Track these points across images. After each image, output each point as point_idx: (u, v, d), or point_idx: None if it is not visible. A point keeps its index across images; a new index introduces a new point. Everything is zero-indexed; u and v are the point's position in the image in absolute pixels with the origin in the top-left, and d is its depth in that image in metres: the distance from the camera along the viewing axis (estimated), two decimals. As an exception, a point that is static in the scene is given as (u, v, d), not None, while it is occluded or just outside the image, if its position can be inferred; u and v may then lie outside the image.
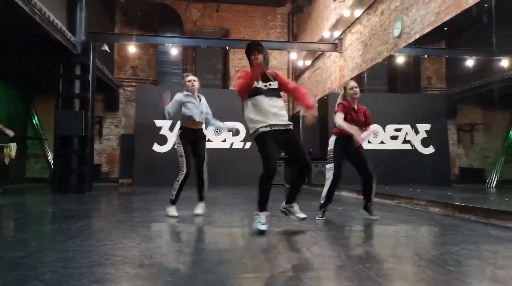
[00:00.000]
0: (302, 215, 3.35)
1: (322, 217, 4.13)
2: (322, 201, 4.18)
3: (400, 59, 8.39)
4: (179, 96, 4.35)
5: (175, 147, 4.34)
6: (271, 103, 3.25)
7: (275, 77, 3.41)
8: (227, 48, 10.91)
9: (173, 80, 11.78)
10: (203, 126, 4.50)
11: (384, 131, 10.90)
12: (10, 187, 10.19)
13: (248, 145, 10.97)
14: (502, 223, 3.76)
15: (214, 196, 6.85)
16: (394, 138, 10.96)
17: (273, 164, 3.19)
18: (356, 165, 4.15)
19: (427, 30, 5.56)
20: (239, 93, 3.32)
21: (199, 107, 4.35)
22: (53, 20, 7.07)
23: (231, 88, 13.03)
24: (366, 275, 2.02)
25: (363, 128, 4.18)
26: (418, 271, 2.20)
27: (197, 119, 4.31)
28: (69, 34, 7.94)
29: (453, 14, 4.93)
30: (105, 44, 8.59)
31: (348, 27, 8.57)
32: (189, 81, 4.41)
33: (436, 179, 9.98)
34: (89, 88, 8.31)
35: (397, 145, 10.92)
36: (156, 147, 10.59)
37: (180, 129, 4.34)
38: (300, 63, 12.39)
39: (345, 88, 4.19)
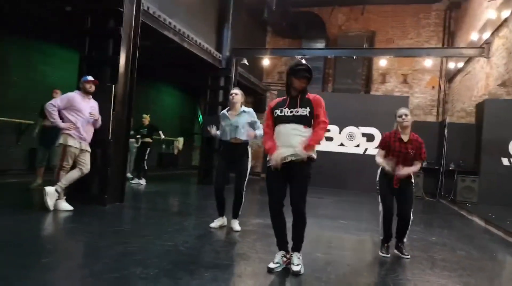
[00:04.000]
0: (297, 268, 2.99)
1: (387, 254, 3.86)
2: (381, 238, 3.97)
3: None
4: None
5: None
6: (292, 132, 3.02)
7: (311, 103, 3.11)
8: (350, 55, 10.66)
9: (310, 84, 12.28)
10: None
11: None
12: (178, 172, 12.74)
13: (382, 152, 10.65)
14: None
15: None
16: None
17: (271, 203, 3.14)
18: (397, 201, 3.87)
19: None
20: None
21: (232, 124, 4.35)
22: (200, 43, 8.60)
23: (372, 92, 12.74)
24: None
25: (413, 162, 3.79)
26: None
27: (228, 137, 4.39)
28: (215, 52, 9.43)
29: None
30: (244, 58, 9.80)
31: (496, 29, 7.40)
32: (230, 94, 4.47)
33: None
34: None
35: None
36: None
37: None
38: (452, 65, 11.13)
39: (395, 115, 3.87)
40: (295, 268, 3.01)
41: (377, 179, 3.98)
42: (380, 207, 3.91)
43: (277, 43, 13.64)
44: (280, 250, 3.19)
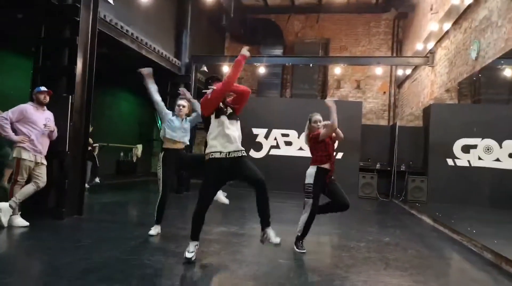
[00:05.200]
0: (277, 240, 3.26)
1: (303, 249, 4.15)
2: (299, 234, 4.20)
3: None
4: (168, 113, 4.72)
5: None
6: (233, 127, 3.44)
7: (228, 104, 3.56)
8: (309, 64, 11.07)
9: (269, 90, 12.58)
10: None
11: (501, 147, 9.72)
12: (137, 180, 12.49)
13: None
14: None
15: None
16: (512, 156, 9.68)
17: (204, 207, 3.46)
18: (333, 196, 4.16)
19: (498, 55, 5.02)
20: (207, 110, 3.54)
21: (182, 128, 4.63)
22: (158, 50, 8.55)
23: (328, 97, 13.20)
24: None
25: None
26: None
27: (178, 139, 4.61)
28: (174, 59, 9.40)
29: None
30: (204, 65, 9.86)
31: (439, 40, 7.99)
32: (178, 105, 4.74)
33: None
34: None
35: (517, 165, 9.60)
36: (253, 153, 11.53)
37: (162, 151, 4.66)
38: (400, 72, 11.81)
39: (309, 120, 4.24)
40: (275, 240, 3.25)
41: (311, 181, 4.12)
42: (310, 208, 4.10)
43: (235, 49, 13.76)
44: (193, 240, 3.54)
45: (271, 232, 3.29)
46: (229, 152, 3.37)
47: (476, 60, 5.82)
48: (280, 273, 3.42)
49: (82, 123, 5.69)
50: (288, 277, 3.39)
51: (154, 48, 8.38)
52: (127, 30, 7.25)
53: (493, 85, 10.44)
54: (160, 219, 4.67)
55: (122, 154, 12.34)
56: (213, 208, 4.73)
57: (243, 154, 3.43)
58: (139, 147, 12.14)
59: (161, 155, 4.65)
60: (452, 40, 7.17)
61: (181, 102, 4.76)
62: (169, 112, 4.80)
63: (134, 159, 12.33)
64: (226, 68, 9.97)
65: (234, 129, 3.44)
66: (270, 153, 11.46)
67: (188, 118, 4.84)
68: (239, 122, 3.57)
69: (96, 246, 4.09)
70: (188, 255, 3.46)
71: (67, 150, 5.38)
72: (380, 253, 4.46)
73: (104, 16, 6.49)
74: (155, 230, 4.62)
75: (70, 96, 5.40)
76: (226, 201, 4.65)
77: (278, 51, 12.99)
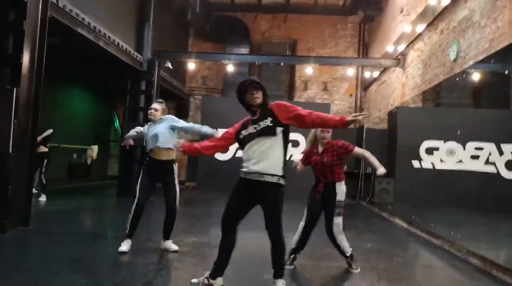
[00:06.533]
0: None
1: (291, 265, 3.74)
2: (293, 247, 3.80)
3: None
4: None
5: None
6: (257, 145, 2.82)
7: (273, 112, 2.87)
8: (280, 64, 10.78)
9: (235, 90, 12.10)
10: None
11: (464, 149, 9.86)
12: (92, 184, 11.55)
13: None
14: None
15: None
16: (475, 157, 9.85)
17: (223, 217, 2.93)
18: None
19: (481, 57, 4.91)
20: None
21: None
22: (118, 43, 7.82)
23: (295, 99, 12.98)
24: None
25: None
26: None
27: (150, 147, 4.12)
28: (136, 54, 8.70)
29: (505, 43, 4.29)
30: (168, 61, 9.22)
31: (411, 42, 7.95)
32: (149, 109, 4.27)
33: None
34: (152, 102, 8.98)
35: (479, 166, 9.77)
36: (218, 155, 10.97)
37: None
38: (367, 74, 11.79)
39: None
40: None
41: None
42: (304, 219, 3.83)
43: (200, 47, 13.19)
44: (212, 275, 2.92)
45: (279, 285, 2.84)
46: (247, 172, 2.85)
47: (455, 62, 5.71)
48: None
49: (29, 121, 4.94)
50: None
51: (114, 40, 7.65)
52: (83, 18, 6.51)
53: (454, 89, 10.69)
54: (133, 231, 4.03)
55: (75, 155, 11.35)
56: (180, 217, 4.25)
57: (264, 180, 2.79)
58: (95, 148, 11.24)
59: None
60: (426, 42, 7.10)
61: (154, 105, 4.26)
62: (146, 126, 4.38)
63: (89, 161, 11.38)
64: (192, 65, 9.39)
65: (262, 145, 2.83)
66: (237, 155, 10.99)
67: (159, 120, 4.21)
68: (279, 136, 2.85)
69: (45, 266, 3.43)
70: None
71: (10, 151, 4.62)
72: (367, 262, 4.17)
73: (57, 0, 5.74)
74: (126, 245, 3.97)
75: (15, 89, 4.64)
76: (175, 248, 4.07)
77: (245, 50, 12.56)
